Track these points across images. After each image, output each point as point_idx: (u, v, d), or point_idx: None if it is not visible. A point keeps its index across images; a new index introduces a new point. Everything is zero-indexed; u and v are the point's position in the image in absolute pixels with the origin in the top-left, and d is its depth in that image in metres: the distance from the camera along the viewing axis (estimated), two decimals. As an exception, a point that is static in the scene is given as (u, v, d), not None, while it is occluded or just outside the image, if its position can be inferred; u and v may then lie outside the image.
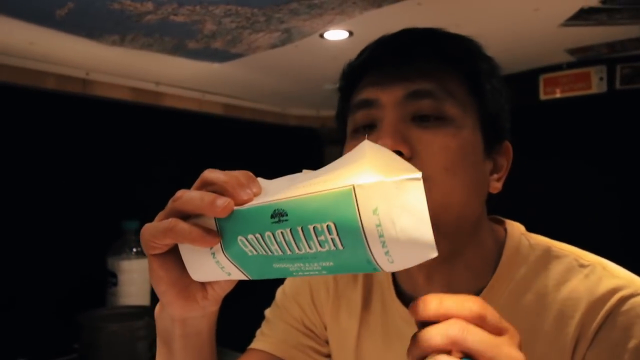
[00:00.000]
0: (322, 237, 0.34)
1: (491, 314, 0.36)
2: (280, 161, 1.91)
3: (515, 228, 0.63)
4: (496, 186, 0.59)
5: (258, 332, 0.75)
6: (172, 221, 0.41)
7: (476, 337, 0.34)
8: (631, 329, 0.50)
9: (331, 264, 0.35)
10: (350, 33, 1.04)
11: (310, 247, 0.35)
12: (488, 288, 0.58)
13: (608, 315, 0.51)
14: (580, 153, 1.42)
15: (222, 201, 0.38)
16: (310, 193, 0.34)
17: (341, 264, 0.35)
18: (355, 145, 0.57)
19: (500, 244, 0.60)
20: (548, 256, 0.59)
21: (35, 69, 1.22)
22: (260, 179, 0.43)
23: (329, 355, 0.73)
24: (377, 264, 0.34)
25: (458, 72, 0.56)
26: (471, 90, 0.56)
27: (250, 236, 0.37)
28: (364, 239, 0.33)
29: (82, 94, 1.32)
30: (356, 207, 0.32)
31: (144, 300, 1.35)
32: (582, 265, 0.56)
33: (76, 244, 1.38)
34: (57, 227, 1.34)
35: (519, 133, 1.58)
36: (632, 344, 0.50)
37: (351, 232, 0.33)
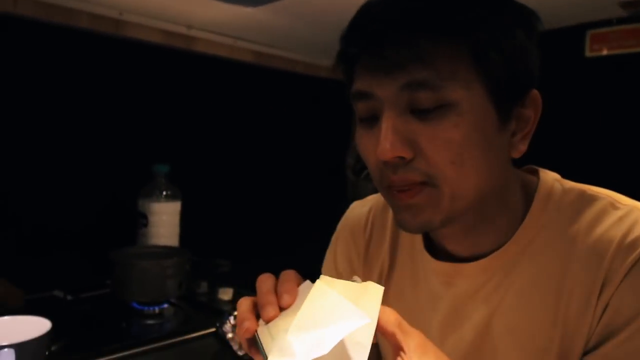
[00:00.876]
0: None
1: None
2: (308, 113, 1.90)
3: (549, 175, 0.61)
4: (520, 149, 0.55)
5: None
6: (238, 332, 0.47)
7: None
8: None
9: None
10: (390, -23, 0.99)
11: None
12: (513, 239, 0.57)
13: (637, 262, 0.50)
14: (627, 113, 1.36)
15: (244, 326, 0.44)
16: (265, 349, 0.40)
17: None
18: (362, 136, 0.55)
19: (531, 194, 0.59)
20: (582, 199, 0.56)
21: (69, 6, 1.21)
22: (305, 284, 0.47)
23: None
24: None
25: (456, 44, 0.49)
26: (475, 58, 0.49)
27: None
28: None
29: (115, 35, 1.31)
30: None
31: (172, 241, 1.39)
32: (617, 208, 0.54)
33: (109, 185, 1.41)
34: (90, 167, 1.38)
35: (562, 91, 1.52)
36: None
37: None
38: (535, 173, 0.62)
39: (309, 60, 1.81)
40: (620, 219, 0.53)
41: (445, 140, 0.49)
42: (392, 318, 0.43)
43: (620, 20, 1.30)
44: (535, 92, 0.54)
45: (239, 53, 1.58)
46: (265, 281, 0.47)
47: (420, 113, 0.50)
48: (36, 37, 1.24)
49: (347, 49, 0.54)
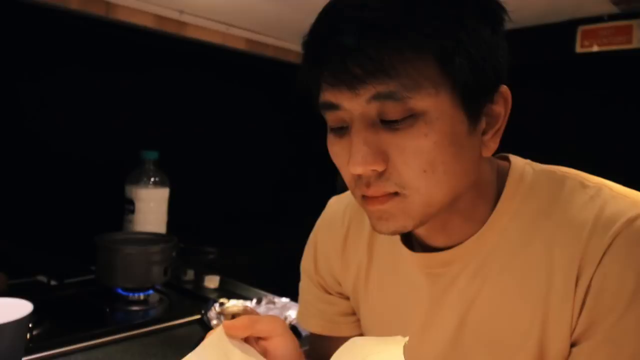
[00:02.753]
0: None
1: None
2: (300, 103, 1.89)
3: (519, 159, 0.61)
4: (491, 147, 0.54)
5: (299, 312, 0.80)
6: None
7: None
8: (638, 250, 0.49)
9: None
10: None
11: None
12: (487, 225, 0.57)
13: (615, 238, 0.50)
14: (616, 110, 1.37)
15: None
16: None
17: None
18: (334, 144, 0.54)
19: (504, 179, 0.59)
20: (552, 180, 0.57)
21: (58, -13, 1.19)
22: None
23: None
24: None
25: (420, 54, 0.47)
26: (441, 66, 0.47)
27: None
28: None
29: (105, 18, 1.29)
30: None
31: (160, 228, 1.38)
32: (586, 187, 0.55)
33: (97, 171, 1.40)
34: (78, 152, 1.36)
35: (552, 86, 1.52)
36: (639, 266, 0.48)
37: None
38: (507, 159, 0.62)
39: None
40: (591, 198, 0.53)
41: (415, 151, 0.49)
42: None
43: (612, 17, 1.30)
44: (504, 88, 0.53)
45: (231, 40, 1.57)
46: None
47: (389, 123, 0.49)
48: (26, 17, 1.22)
49: (308, 63, 0.52)
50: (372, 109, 0.49)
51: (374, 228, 0.55)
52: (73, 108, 1.34)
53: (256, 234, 1.80)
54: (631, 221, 0.50)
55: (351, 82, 0.48)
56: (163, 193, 1.39)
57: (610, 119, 1.38)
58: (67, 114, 1.33)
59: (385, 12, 0.46)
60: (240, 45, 1.60)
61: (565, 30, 1.38)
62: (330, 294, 0.76)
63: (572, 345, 0.52)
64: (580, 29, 1.35)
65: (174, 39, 1.47)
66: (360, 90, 0.48)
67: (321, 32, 0.51)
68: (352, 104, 0.49)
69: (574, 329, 0.52)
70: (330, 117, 0.53)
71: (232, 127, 1.73)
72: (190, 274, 1.35)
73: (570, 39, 1.37)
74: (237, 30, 1.56)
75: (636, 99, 1.33)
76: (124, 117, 1.44)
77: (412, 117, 0.48)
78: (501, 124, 0.54)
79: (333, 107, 0.51)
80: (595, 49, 1.33)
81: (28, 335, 0.90)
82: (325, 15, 0.51)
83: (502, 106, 0.53)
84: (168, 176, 1.41)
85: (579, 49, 1.36)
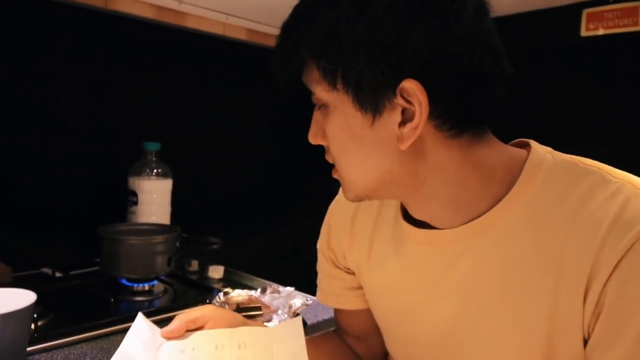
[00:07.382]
0: None
1: None
2: (302, 93, 1.88)
3: (540, 147, 0.58)
4: (404, 140, 0.52)
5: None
6: None
7: None
8: None
9: None
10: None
11: None
12: (495, 208, 0.55)
13: (636, 241, 0.46)
14: (622, 93, 1.35)
15: None
16: None
17: None
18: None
19: (520, 166, 0.56)
20: (572, 172, 0.54)
21: (57, -22, 1.19)
22: None
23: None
24: None
25: (308, 64, 0.56)
26: (324, 76, 0.55)
27: None
28: None
29: (104, 9, 1.28)
30: None
31: (164, 220, 1.38)
32: (608, 182, 0.51)
33: (100, 163, 1.40)
34: (81, 145, 1.36)
35: (557, 71, 1.50)
36: None
37: None
38: (526, 146, 0.60)
39: (303, 39, 1.78)
40: (612, 194, 0.50)
41: (330, 135, 0.57)
42: None
43: (617, -1, 1.28)
44: (409, 83, 0.49)
45: (232, 30, 1.56)
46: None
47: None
48: (23, 8, 1.22)
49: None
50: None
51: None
52: (74, 101, 1.34)
53: (260, 225, 1.80)
54: None
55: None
56: (166, 184, 1.39)
57: (616, 103, 1.36)
58: (68, 106, 1.33)
59: (294, 20, 0.56)
60: (241, 36, 1.59)
61: (569, 13, 1.36)
62: (338, 268, 0.77)
63: (590, 348, 0.49)
64: (585, 12, 1.34)
65: (173, 29, 1.46)
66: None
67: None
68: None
69: (590, 332, 0.49)
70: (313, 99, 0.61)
71: (234, 117, 1.72)
72: (194, 265, 1.35)
73: (575, 23, 1.35)
74: (237, 20, 1.55)
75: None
76: (125, 109, 1.44)
77: (324, 106, 0.57)
78: (418, 119, 0.50)
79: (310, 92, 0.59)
80: (600, 32, 1.32)
81: (33, 326, 0.91)
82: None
83: (414, 101, 0.50)
84: (170, 167, 1.40)
85: (584, 33, 1.34)
